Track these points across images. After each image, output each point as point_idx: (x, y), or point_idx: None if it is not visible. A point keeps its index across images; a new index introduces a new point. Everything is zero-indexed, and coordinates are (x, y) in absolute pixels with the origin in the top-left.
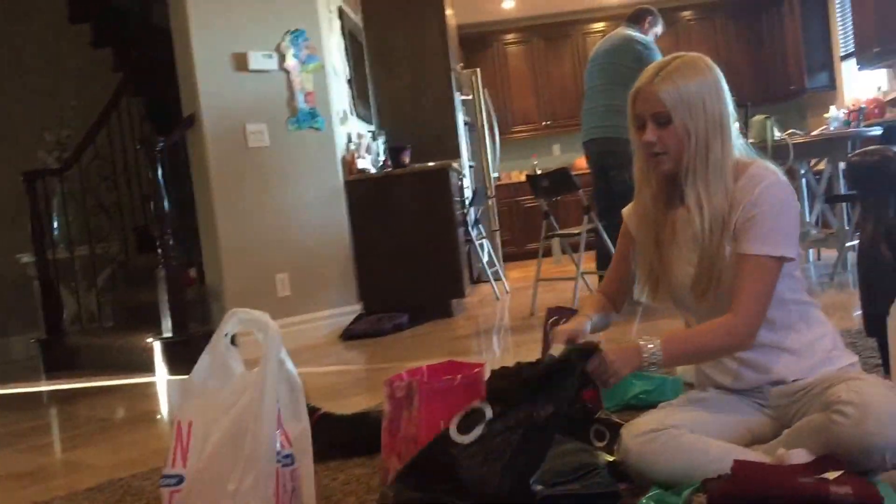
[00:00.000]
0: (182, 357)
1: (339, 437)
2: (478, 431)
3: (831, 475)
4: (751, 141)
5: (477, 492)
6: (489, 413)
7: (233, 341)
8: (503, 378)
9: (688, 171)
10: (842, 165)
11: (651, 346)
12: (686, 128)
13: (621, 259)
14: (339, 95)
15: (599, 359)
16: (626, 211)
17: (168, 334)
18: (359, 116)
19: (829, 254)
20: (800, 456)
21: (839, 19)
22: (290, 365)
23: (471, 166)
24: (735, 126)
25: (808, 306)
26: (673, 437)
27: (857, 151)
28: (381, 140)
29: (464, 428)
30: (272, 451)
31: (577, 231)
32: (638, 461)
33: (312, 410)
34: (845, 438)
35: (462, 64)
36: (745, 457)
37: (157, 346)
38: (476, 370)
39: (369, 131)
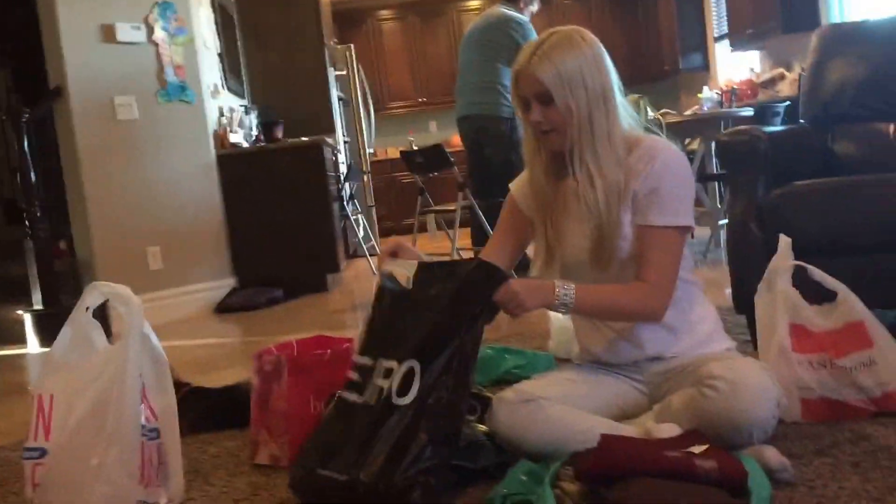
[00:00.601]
0: (53, 329)
1: (210, 411)
2: (415, 390)
3: (697, 449)
4: None
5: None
6: (418, 368)
7: (104, 314)
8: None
9: (574, 146)
10: (714, 145)
11: (566, 287)
12: (568, 105)
13: (504, 233)
14: (210, 69)
15: (506, 288)
16: (514, 185)
17: (38, 306)
18: (230, 90)
19: (703, 232)
20: (667, 430)
21: (713, 0)
22: (154, 338)
23: (346, 142)
24: (621, 97)
25: (692, 286)
26: (542, 407)
27: (726, 131)
28: (253, 115)
29: (402, 390)
30: (136, 425)
31: (451, 208)
32: (507, 431)
33: (181, 384)
34: (715, 412)
35: (336, 40)
36: (613, 430)
37: (28, 319)
38: (345, 345)
39: (241, 105)
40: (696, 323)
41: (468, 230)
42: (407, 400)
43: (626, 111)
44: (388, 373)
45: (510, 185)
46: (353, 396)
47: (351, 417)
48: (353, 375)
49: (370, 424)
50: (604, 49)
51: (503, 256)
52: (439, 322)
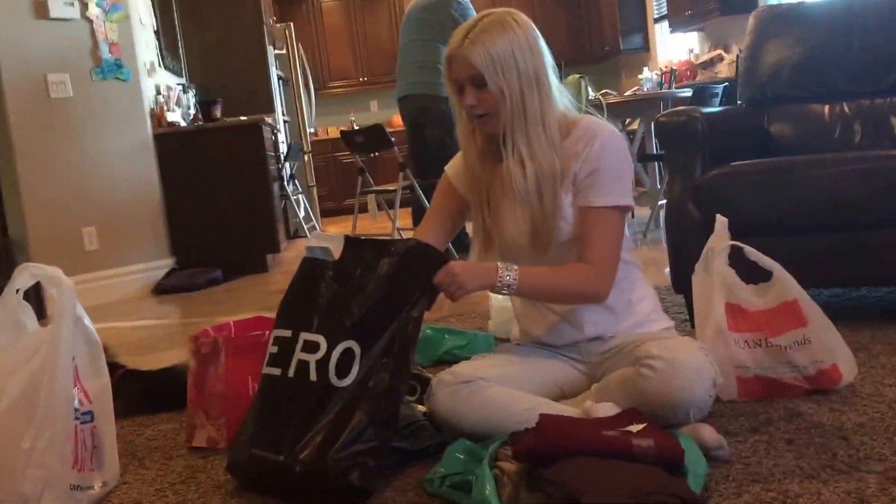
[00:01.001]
0: None
1: (146, 393)
2: (355, 372)
3: (635, 428)
4: None
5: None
6: (358, 350)
7: (39, 296)
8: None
9: (506, 130)
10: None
11: (509, 269)
12: (500, 88)
13: (438, 213)
14: (146, 46)
15: (446, 270)
16: (450, 167)
17: None
18: (167, 69)
19: (643, 212)
20: (606, 409)
21: None
22: (87, 321)
23: (286, 121)
24: (556, 80)
25: (632, 266)
26: (481, 388)
27: (665, 112)
28: (191, 93)
29: (341, 371)
30: (69, 409)
31: (392, 188)
32: (446, 412)
33: (116, 367)
34: (653, 392)
35: (275, 18)
36: (552, 411)
37: None
38: None
39: (179, 84)
40: (636, 303)
41: (409, 210)
42: (347, 382)
43: (562, 93)
44: (313, 347)
45: (446, 167)
46: (275, 371)
47: (277, 394)
48: (273, 349)
49: (306, 404)
50: (537, 31)
51: (436, 239)
52: (378, 303)
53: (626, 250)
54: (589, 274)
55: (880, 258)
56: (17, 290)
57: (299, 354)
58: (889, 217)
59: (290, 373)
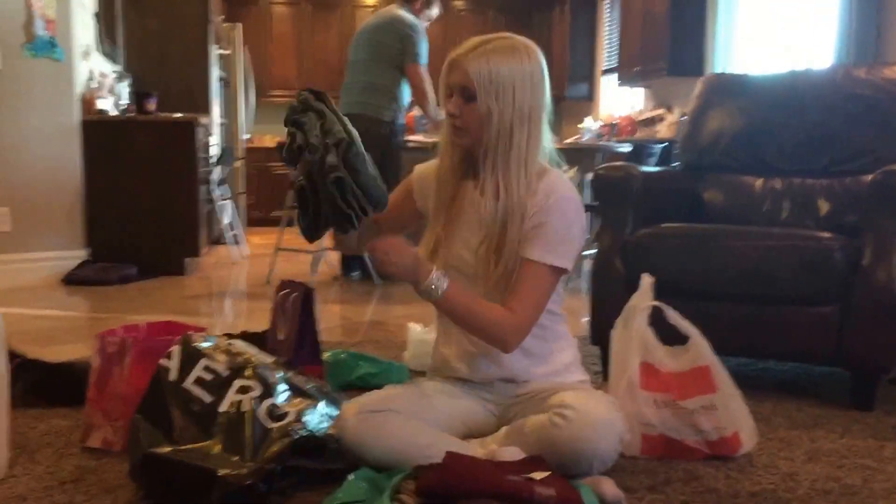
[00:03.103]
0: None
1: (43, 384)
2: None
3: (538, 475)
4: None
5: None
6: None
7: None
8: None
9: (487, 155)
10: (589, 176)
11: (439, 280)
12: (489, 109)
13: (395, 209)
14: (84, 28)
15: (383, 245)
16: (418, 169)
17: None
18: (104, 54)
19: None
20: (511, 454)
21: (606, 33)
22: None
23: (221, 124)
24: (547, 125)
25: (558, 318)
26: (390, 419)
27: (604, 165)
28: (126, 83)
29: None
30: None
31: None
32: (353, 439)
33: (13, 356)
34: (561, 441)
35: (223, 17)
36: (459, 449)
37: None
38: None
39: (114, 72)
40: (556, 352)
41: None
42: (278, 423)
43: (548, 142)
44: (245, 390)
45: (416, 167)
46: (203, 395)
47: (204, 418)
48: (205, 375)
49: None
50: (546, 74)
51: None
52: None
53: (555, 303)
54: (507, 321)
55: (788, 334)
56: None
57: (232, 395)
58: (802, 295)
59: (220, 404)
